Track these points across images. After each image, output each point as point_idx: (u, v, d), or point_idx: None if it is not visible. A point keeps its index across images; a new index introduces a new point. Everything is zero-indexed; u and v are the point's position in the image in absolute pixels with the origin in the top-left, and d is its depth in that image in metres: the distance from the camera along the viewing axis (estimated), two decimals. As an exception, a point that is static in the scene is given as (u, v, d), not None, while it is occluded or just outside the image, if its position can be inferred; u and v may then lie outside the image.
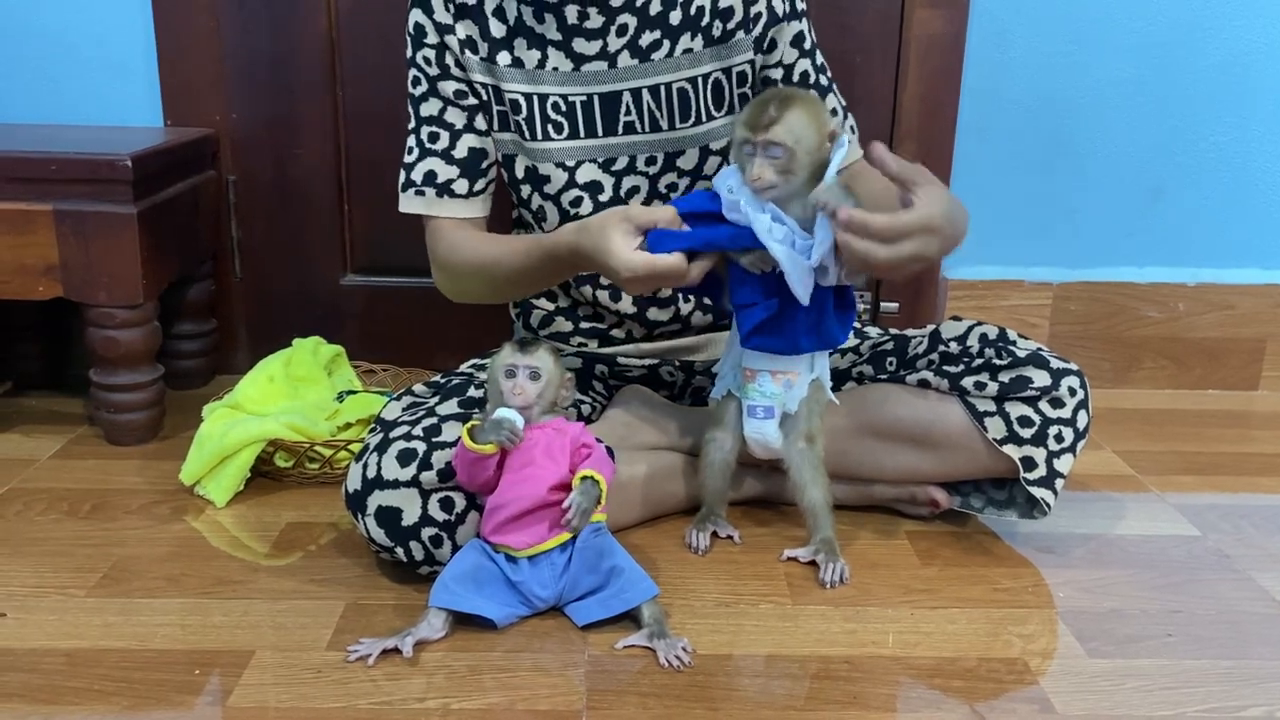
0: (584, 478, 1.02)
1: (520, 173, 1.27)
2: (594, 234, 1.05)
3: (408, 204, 1.26)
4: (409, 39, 1.24)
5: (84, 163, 1.38)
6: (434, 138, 1.25)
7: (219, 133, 1.67)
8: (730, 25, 1.22)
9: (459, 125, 1.25)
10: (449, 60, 1.23)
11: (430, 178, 1.25)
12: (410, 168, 1.26)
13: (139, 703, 0.94)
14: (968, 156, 1.71)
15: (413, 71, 1.25)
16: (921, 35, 1.65)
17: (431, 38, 1.22)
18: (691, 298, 1.31)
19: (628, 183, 1.25)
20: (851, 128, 1.29)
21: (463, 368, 1.32)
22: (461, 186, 1.25)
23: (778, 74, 1.25)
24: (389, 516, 1.09)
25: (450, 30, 1.22)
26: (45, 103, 1.67)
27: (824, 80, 1.28)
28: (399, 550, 1.10)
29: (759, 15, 1.22)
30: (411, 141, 1.26)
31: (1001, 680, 0.99)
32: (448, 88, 1.24)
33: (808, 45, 1.26)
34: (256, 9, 1.63)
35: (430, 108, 1.25)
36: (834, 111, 1.27)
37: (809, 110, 1.06)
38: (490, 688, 0.96)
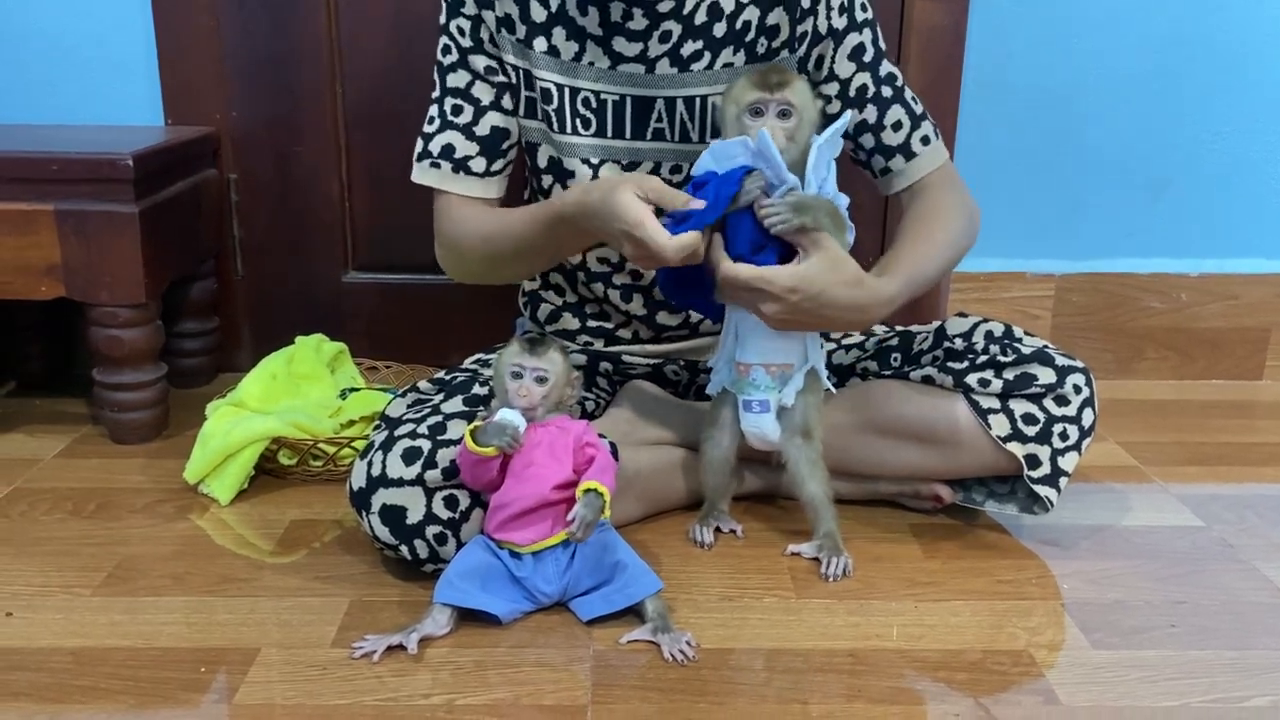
0: (587, 490, 1.02)
1: (543, 162, 1.25)
2: (602, 187, 1.05)
3: (421, 175, 1.24)
4: (445, 4, 1.21)
5: (85, 162, 1.38)
6: (457, 110, 1.23)
7: (220, 131, 1.67)
8: (776, 43, 1.20)
9: (485, 101, 1.23)
10: (483, 35, 1.21)
11: (448, 151, 1.23)
12: (429, 138, 1.24)
13: (145, 701, 0.94)
14: (970, 148, 1.71)
15: (444, 39, 1.22)
16: (922, 28, 1.64)
17: (469, 9, 1.20)
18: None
19: None
20: (925, 139, 1.24)
21: (467, 363, 1.32)
22: (479, 165, 1.23)
23: (831, 89, 1.21)
24: (393, 515, 1.09)
25: (489, 5, 1.19)
26: (46, 103, 1.67)
27: (887, 91, 1.22)
28: (403, 548, 1.10)
29: (805, 34, 1.19)
30: (434, 111, 1.24)
31: (1006, 673, 0.99)
32: (478, 62, 1.22)
33: (869, 57, 1.21)
34: (256, 8, 1.62)
35: (457, 79, 1.23)
36: (898, 124, 1.22)
37: (810, 88, 1.10)
38: (495, 683, 0.96)
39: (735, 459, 1.22)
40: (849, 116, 1.08)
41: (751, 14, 1.19)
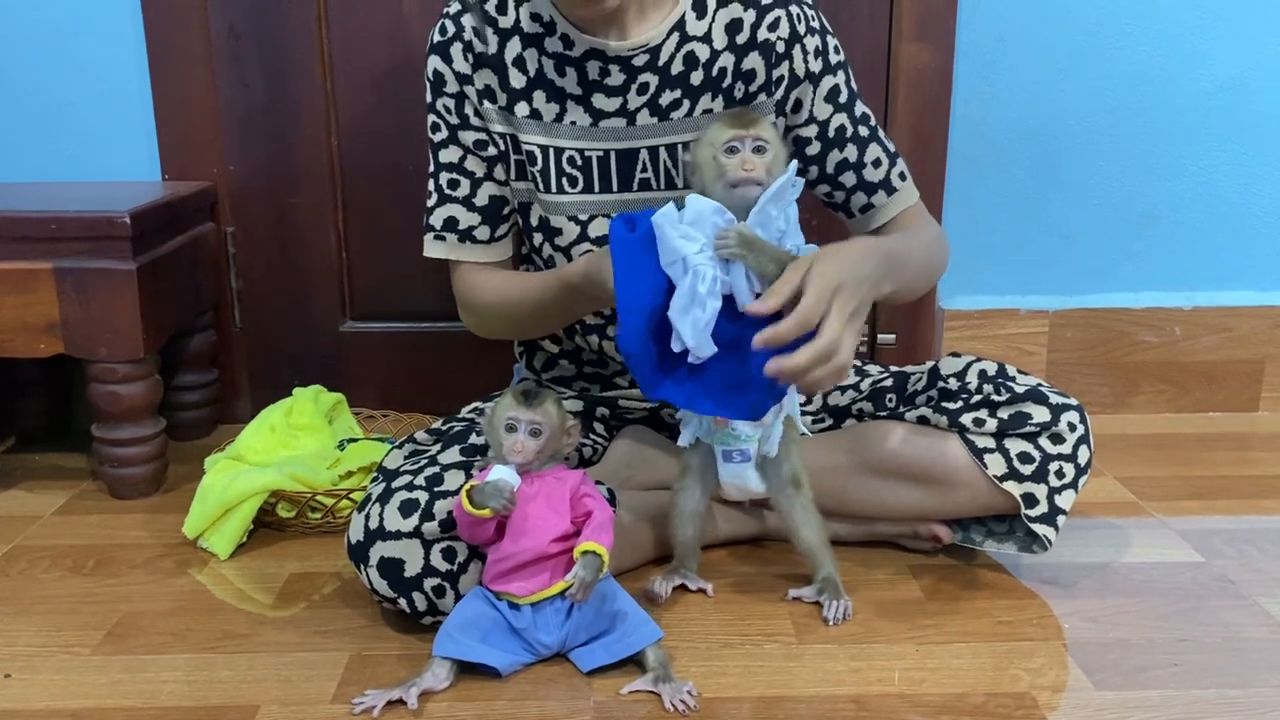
0: (585, 551, 1.01)
1: (534, 221, 1.27)
2: (602, 258, 1.08)
3: (431, 249, 1.28)
4: (428, 85, 1.24)
5: (83, 221, 1.39)
6: (454, 184, 1.26)
7: (217, 185, 1.69)
8: (752, 88, 1.22)
9: (479, 174, 1.26)
10: (468, 110, 1.24)
11: (451, 224, 1.26)
12: (431, 212, 1.27)
13: (145, 762, 0.94)
14: (960, 187, 1.72)
15: (432, 118, 1.26)
16: (910, 69, 1.66)
17: (451, 86, 1.23)
18: None
19: None
20: (902, 175, 1.27)
21: (464, 412, 1.32)
22: (483, 233, 1.26)
23: (810, 131, 1.24)
24: (391, 568, 1.09)
25: (469, 80, 1.22)
26: (43, 160, 1.68)
27: (864, 131, 1.25)
28: (402, 601, 1.10)
29: (781, 78, 1.22)
30: (431, 186, 1.27)
31: (1010, 716, 0.99)
32: (467, 137, 1.25)
33: (844, 98, 1.24)
34: (251, 62, 1.64)
35: (450, 155, 1.26)
36: (877, 161, 1.25)
37: (778, 132, 1.12)
38: (496, 737, 0.96)
39: (707, 512, 1.22)
40: (794, 165, 1.08)
41: (727, 60, 1.21)
